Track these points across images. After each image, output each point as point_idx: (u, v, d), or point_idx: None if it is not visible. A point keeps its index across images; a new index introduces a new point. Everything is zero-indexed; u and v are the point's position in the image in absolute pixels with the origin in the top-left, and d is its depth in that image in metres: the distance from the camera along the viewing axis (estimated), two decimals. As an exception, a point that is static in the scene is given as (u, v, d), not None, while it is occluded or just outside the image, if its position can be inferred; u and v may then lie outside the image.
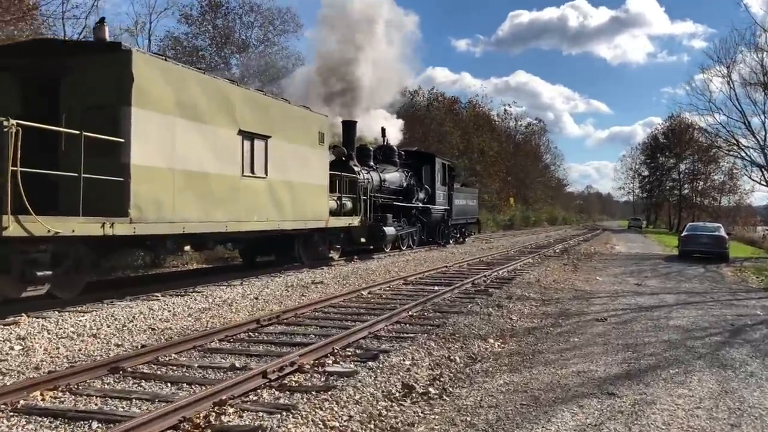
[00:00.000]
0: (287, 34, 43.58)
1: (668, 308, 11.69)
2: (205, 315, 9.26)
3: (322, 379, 5.88)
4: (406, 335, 8.05)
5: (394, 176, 22.28)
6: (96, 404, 5.09)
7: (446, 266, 17.20)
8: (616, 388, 6.23)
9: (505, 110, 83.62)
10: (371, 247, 19.99)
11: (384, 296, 11.51)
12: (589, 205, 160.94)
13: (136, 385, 5.67)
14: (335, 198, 16.12)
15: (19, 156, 7.25)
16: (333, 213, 15.87)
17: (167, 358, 6.56)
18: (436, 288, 12.54)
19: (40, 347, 6.93)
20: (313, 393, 5.36)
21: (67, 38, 24.42)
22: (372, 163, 21.25)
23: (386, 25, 25.33)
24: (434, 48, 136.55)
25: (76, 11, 28.98)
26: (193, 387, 5.59)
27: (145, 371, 6.10)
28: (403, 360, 6.74)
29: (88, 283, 11.53)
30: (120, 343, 7.32)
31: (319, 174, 14.60)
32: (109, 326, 8.11)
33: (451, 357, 7.23)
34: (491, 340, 8.33)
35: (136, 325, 8.26)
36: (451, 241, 28.06)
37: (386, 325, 8.42)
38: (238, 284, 12.37)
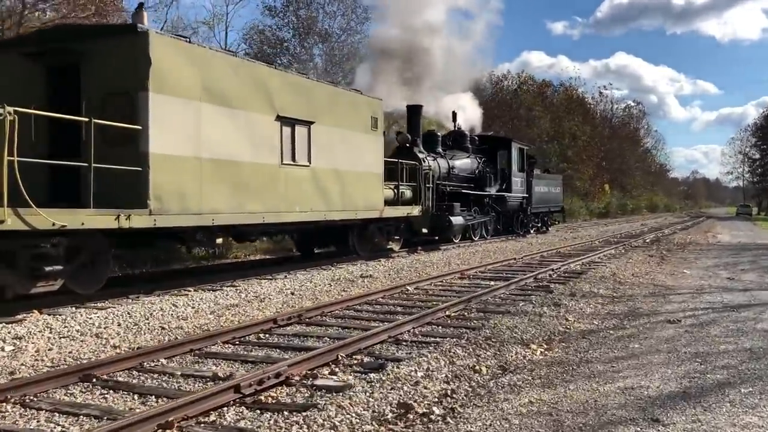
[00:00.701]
0: (370, 21, 43.00)
1: (761, 308, 10.13)
2: (229, 312, 8.69)
3: (307, 395, 5.09)
4: (432, 339, 7.15)
5: (464, 163, 21.20)
6: (37, 420, 4.52)
7: (515, 258, 16.04)
8: (665, 412, 5.09)
9: (600, 92, 79.94)
10: (436, 237, 19.05)
11: (430, 292, 10.60)
12: (695, 192, 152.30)
13: (101, 397, 5.08)
14: (392, 186, 15.29)
15: (15, 145, 6.84)
16: (389, 202, 15.06)
17: (153, 364, 5.97)
18: (492, 283, 11.50)
19: (33, 348, 6.52)
20: (285, 413, 4.58)
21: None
22: (440, 150, 20.26)
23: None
24: (529, 32, 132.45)
25: (159, 5, 29.41)
26: (161, 401, 4.94)
27: (119, 380, 5.52)
28: (415, 371, 5.84)
29: (125, 277, 11.28)
30: (118, 344, 6.82)
31: (371, 161, 13.81)
32: (119, 325, 7.66)
33: (477, 367, 6.27)
34: (534, 346, 7.28)
35: (148, 324, 7.77)
36: (531, 231, 26.64)
37: (414, 327, 7.53)
38: (282, 277, 11.80)
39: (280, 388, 5.21)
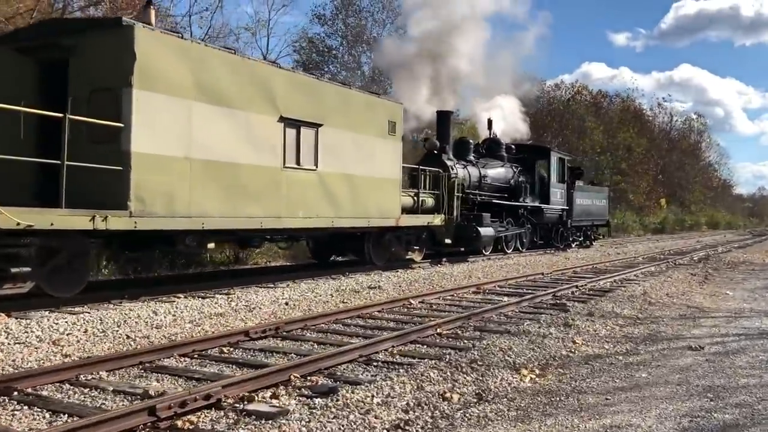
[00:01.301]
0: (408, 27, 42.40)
1: (801, 336, 9.10)
2: (210, 322, 8.21)
3: (232, 421, 4.51)
4: (409, 360, 6.48)
5: (498, 172, 20.38)
6: None
7: (543, 273, 15.16)
8: (646, 462, 4.32)
9: (659, 104, 77.32)
10: (462, 249, 18.28)
11: (435, 307, 9.92)
12: (762, 209, 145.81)
13: (9, 414, 4.62)
14: (412, 194, 14.64)
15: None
16: (408, 210, 14.42)
17: (90, 377, 5.50)
18: (505, 299, 10.73)
19: (-22, 353, 6.15)
20: (193, 444, 4.02)
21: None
22: (472, 158, 19.51)
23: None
24: (590, 43, 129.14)
25: (204, 12, 29.65)
26: (71, 420, 4.44)
27: (43, 394, 5.06)
28: (372, 396, 5.20)
29: (120, 281, 10.96)
30: (71, 353, 6.39)
31: (388, 167, 13.21)
32: (85, 331, 7.26)
33: (449, 394, 5.57)
34: (525, 372, 6.52)
35: (116, 332, 7.35)
36: (573, 245, 25.52)
37: (394, 346, 6.87)
38: (285, 286, 11.30)
39: (207, 411, 4.65)
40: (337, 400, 4.97)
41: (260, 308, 9.26)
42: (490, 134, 21.88)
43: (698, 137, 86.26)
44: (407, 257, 15.27)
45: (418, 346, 7.09)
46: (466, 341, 7.40)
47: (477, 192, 18.74)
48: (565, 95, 59.57)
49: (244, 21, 54.18)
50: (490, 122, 21.85)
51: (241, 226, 9.82)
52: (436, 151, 17.69)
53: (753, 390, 6.13)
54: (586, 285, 12.88)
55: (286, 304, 9.69)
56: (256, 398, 4.90)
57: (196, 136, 8.99)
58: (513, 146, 22.49)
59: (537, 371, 6.58)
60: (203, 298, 9.66)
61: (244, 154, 9.78)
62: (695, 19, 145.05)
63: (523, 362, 6.83)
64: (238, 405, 4.77)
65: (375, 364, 6.26)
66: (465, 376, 6.10)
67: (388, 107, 13.27)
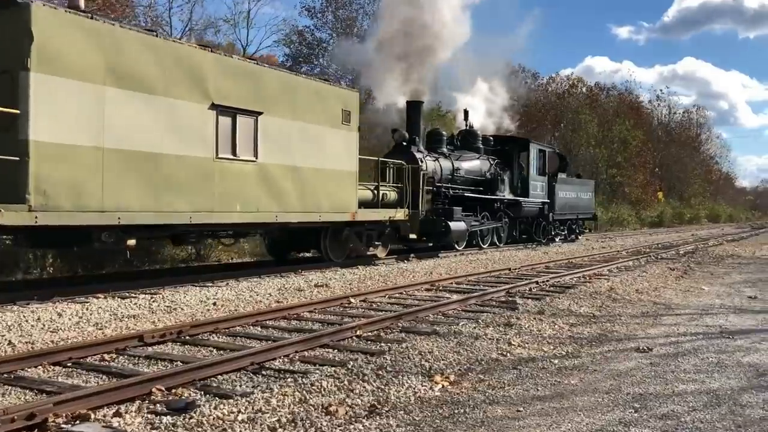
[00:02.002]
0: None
1: (764, 334, 8.41)
2: (117, 324, 7.56)
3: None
4: (307, 367, 5.83)
5: (473, 165, 19.69)
6: None
7: (511, 269, 14.49)
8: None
9: (658, 96, 76.48)
10: (430, 244, 17.62)
11: (374, 306, 9.27)
12: (765, 201, 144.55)
13: None
14: (371, 187, 13.98)
15: None
16: (368, 204, 13.76)
17: (-75, 391, 4.86)
18: (453, 296, 10.08)
19: None
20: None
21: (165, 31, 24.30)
22: (445, 150, 18.83)
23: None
24: (593, 36, 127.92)
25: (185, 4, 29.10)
26: None
27: None
28: (238, 412, 4.55)
29: (56, 280, 10.37)
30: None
31: (342, 158, 12.54)
32: (-36, 336, 6.62)
33: (334, 408, 4.91)
34: (438, 379, 5.85)
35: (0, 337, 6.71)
36: (557, 239, 24.82)
37: (298, 351, 6.21)
38: (224, 285, 10.67)
39: (25, 433, 4.01)
40: (190, 418, 4.33)
41: (182, 309, 8.61)
42: (466, 125, 21.17)
43: (698, 130, 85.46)
44: (369, 253, 14.61)
45: (327, 350, 6.43)
46: (384, 344, 6.74)
47: (449, 185, 18.07)
48: (560, 88, 58.81)
49: (222, 13, 53.02)
50: (466, 113, 21.16)
51: (165, 221, 9.16)
52: (405, 143, 17.03)
53: (688, 398, 5.47)
54: (548, 281, 12.21)
55: (214, 304, 9.04)
56: (93, 417, 4.25)
57: (110, 124, 8.34)
58: (491, 138, 21.80)
59: (452, 378, 5.92)
60: (124, 298, 9.02)
61: (168, 143, 9.13)
62: (698, 11, 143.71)
63: (441, 368, 6.17)
64: (65, 426, 4.12)
65: (265, 373, 5.60)
66: (365, 385, 5.45)
67: (342, 96, 12.59)
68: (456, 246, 18.18)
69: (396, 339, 6.95)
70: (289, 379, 5.35)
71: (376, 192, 13.87)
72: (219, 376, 5.31)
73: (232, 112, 10.18)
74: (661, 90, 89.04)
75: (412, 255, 16.14)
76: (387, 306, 9.32)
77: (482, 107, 25.14)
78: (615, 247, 23.92)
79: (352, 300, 9.37)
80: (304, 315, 8.28)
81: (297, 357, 6.04)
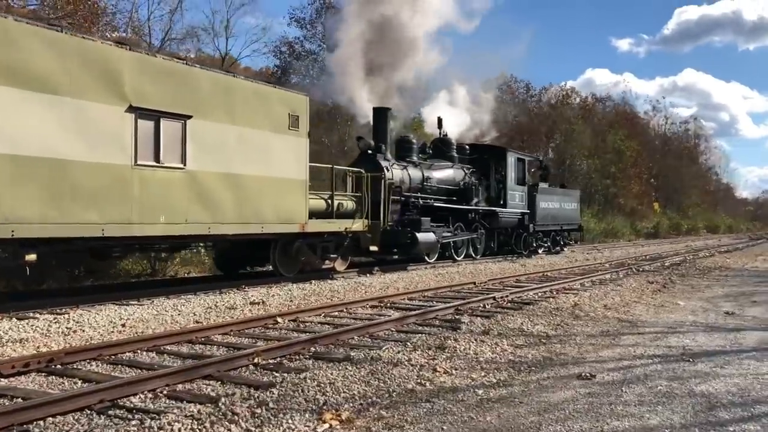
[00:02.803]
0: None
1: (730, 357, 7.54)
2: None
3: None
4: (168, 405, 4.97)
5: (446, 174, 18.87)
6: None
7: (475, 283, 13.63)
8: None
9: (654, 107, 75.83)
10: (396, 257, 16.79)
11: (302, 326, 8.42)
12: (766, 212, 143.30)
13: None
14: (325, 197, 13.15)
15: None
16: (321, 214, 12.93)
17: None
18: (395, 314, 9.22)
19: None
20: None
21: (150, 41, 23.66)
22: (415, 158, 18.03)
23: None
24: (593, 49, 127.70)
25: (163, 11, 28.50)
26: None
27: None
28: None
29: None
30: None
31: (289, 166, 11.73)
32: None
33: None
34: (327, 417, 4.99)
35: None
36: (540, 251, 23.94)
37: (169, 384, 5.34)
38: (149, 303, 9.83)
39: None
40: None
41: (83, 331, 7.76)
42: (440, 134, 20.38)
43: (696, 141, 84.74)
44: (325, 267, 13.75)
45: (207, 383, 5.57)
46: (279, 374, 5.88)
47: (419, 195, 17.24)
48: (553, 98, 58.06)
49: (200, 21, 52.44)
50: (440, 121, 20.35)
51: (72, 234, 8.32)
52: (370, 151, 16.23)
53: (615, 440, 4.63)
54: (509, 296, 11.34)
55: (123, 325, 8.19)
56: None
57: (2, 128, 7.53)
58: (467, 146, 21.00)
59: (345, 416, 5.06)
60: (22, 318, 8.19)
61: (76, 149, 8.31)
62: (698, 24, 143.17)
63: (336, 403, 5.31)
64: None
65: (112, 413, 4.74)
66: (230, 427, 4.59)
67: (289, 99, 11.79)
68: (426, 258, 17.33)
69: (298, 367, 6.10)
70: (133, 422, 4.49)
71: (329, 201, 13.03)
72: (51, 419, 4.45)
73: (155, 116, 9.37)
74: (657, 100, 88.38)
75: (376, 268, 15.29)
76: (316, 326, 8.47)
77: (465, 117, 24.41)
78: (600, 259, 23.07)
79: (279, 320, 8.52)
80: (214, 338, 7.43)
81: (165, 391, 5.17)
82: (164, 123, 9.49)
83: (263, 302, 10.25)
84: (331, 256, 13.35)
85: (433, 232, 16.70)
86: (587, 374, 6.57)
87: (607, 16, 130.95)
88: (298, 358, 6.45)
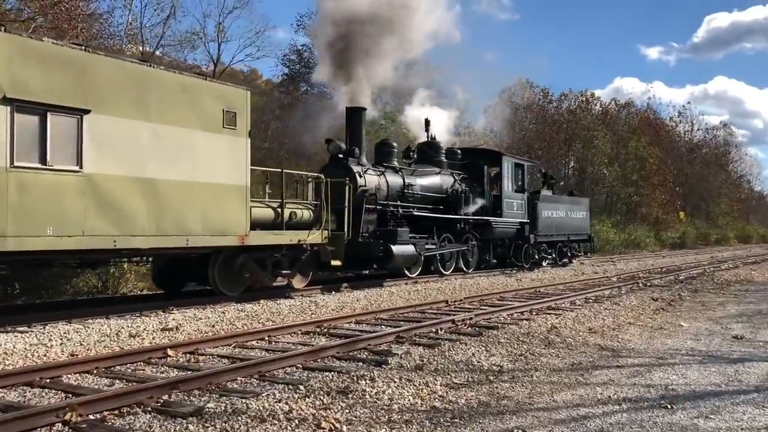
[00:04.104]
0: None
1: (726, 400, 5.85)
2: None
3: None
4: None
5: (431, 180, 17.26)
6: None
7: (450, 301, 12.00)
8: None
9: (680, 112, 73.18)
10: (365, 272, 15.22)
11: (200, 360, 6.90)
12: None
13: None
14: (274, 205, 11.64)
15: None
16: (269, 225, 11.41)
17: None
18: (321, 342, 7.66)
19: None
20: None
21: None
22: (396, 163, 16.47)
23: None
24: (622, 57, 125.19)
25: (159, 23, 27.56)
26: None
27: None
28: None
29: None
30: None
31: (222, 169, 10.25)
32: None
33: None
34: None
35: None
36: (544, 263, 22.14)
37: None
38: (39, 329, 8.39)
39: None
40: None
41: None
42: (427, 136, 18.78)
43: (726, 148, 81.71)
44: (277, 284, 12.21)
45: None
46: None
47: (398, 203, 15.66)
48: (573, 104, 56.03)
49: (194, 27, 51.44)
50: (427, 123, 18.76)
51: None
52: (341, 155, 14.72)
53: None
54: (472, 318, 9.69)
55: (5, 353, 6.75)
56: None
57: None
58: (458, 150, 19.35)
59: None
60: None
61: (-74, 147, 6.92)
62: (729, 31, 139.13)
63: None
64: None
65: None
66: None
67: (224, 94, 10.32)
68: (407, 273, 15.71)
69: (120, 428, 4.55)
70: None
71: (279, 210, 11.50)
72: None
73: (40, 110, 7.97)
74: (683, 106, 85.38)
75: (345, 285, 13.72)
76: (215, 361, 6.93)
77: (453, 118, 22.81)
78: (610, 272, 21.20)
79: (170, 352, 7.00)
80: (62, 380, 5.93)
81: None
82: (53, 118, 8.08)
83: (178, 328, 8.74)
84: (284, 272, 11.80)
85: (414, 244, 15.09)
86: (525, 429, 4.96)
87: (636, 24, 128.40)
88: (132, 412, 4.90)
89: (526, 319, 10.05)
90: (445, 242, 16.98)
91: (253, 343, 7.86)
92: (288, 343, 7.96)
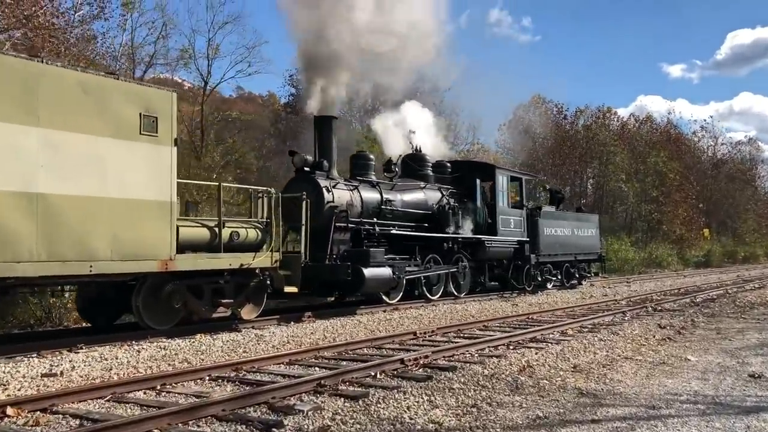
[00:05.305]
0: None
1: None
2: None
3: None
4: None
5: (414, 196, 15.65)
6: None
7: (418, 333, 10.34)
8: None
9: (702, 126, 70.81)
10: (330, 299, 13.60)
11: (44, 425, 5.34)
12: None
13: None
14: (211, 224, 10.11)
15: None
16: (203, 247, 9.89)
17: None
18: (221, 392, 6.06)
19: None
20: None
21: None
22: (373, 177, 14.92)
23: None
24: (645, 75, 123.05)
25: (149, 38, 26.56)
26: None
27: None
28: None
29: None
30: None
31: (140, 183, 8.76)
32: None
33: None
34: None
35: None
36: (549, 286, 20.33)
37: None
38: None
39: None
40: None
41: None
42: (413, 148, 17.21)
43: (751, 163, 78.92)
44: (219, 315, 10.64)
45: None
46: None
47: (374, 221, 14.08)
48: (588, 120, 54.16)
49: (180, 43, 50.49)
50: (411, 133, 17.20)
51: None
52: (307, 168, 13.22)
53: None
54: (428, 356, 8.01)
55: None
56: None
57: None
58: (447, 164, 17.75)
59: None
60: None
61: None
62: (752, 47, 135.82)
63: None
64: None
65: None
66: None
67: (141, 95, 8.85)
68: (386, 299, 14.07)
69: None
70: None
71: (217, 230, 9.97)
72: None
73: None
74: (705, 120, 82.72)
75: (308, 314, 12.11)
76: (62, 423, 5.38)
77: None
78: (621, 294, 19.32)
79: (10, 411, 5.46)
80: None
81: None
82: None
83: (63, 373, 7.21)
84: (225, 301, 10.24)
85: (392, 265, 13.46)
86: None
87: (658, 42, 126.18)
88: None
89: (497, 356, 8.37)
90: (431, 264, 15.32)
91: (138, 394, 6.29)
92: (182, 393, 6.37)
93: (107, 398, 6.07)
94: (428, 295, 15.28)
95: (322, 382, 6.36)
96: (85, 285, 9.82)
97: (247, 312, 10.90)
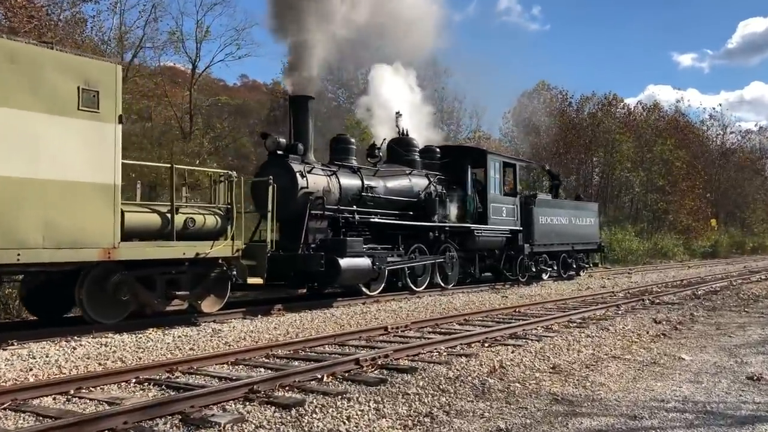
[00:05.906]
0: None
1: None
2: None
3: None
4: None
5: (399, 182, 14.80)
6: None
7: (387, 328, 9.54)
8: None
9: (711, 115, 69.49)
10: (304, 291, 12.81)
11: None
12: None
13: None
14: (163, 209, 9.31)
15: None
16: (153, 234, 9.09)
17: None
18: (132, 401, 5.28)
19: None
20: None
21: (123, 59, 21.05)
22: (353, 162, 14.08)
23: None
24: (655, 65, 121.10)
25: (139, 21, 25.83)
26: None
27: None
28: None
29: None
30: None
31: (78, 163, 7.95)
32: None
33: None
34: None
35: None
36: (545, 276, 19.47)
37: None
38: None
39: None
40: None
41: None
42: (399, 132, 16.34)
43: (760, 152, 77.58)
44: (173, 308, 9.86)
45: None
46: None
47: (354, 208, 13.26)
48: (593, 109, 53.00)
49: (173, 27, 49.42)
50: (397, 115, 16.34)
51: None
52: (280, 152, 12.41)
53: None
54: (391, 355, 7.20)
55: None
56: None
57: None
58: (437, 149, 16.87)
59: None
60: None
61: None
62: (764, 36, 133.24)
63: None
64: None
65: None
66: None
67: (79, 67, 8.02)
68: (366, 291, 13.27)
69: None
70: None
71: (169, 216, 9.16)
72: None
73: None
74: (714, 108, 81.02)
75: (278, 306, 11.33)
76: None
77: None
78: (621, 286, 18.47)
79: None
80: None
81: None
82: None
83: (-23, 374, 6.45)
84: (179, 293, 9.45)
85: (371, 255, 12.65)
86: None
87: (668, 32, 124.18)
88: None
89: (467, 355, 7.55)
90: (416, 254, 14.50)
91: (46, 401, 5.51)
92: (94, 400, 5.58)
93: (4, 406, 5.29)
94: (413, 286, 14.47)
95: (255, 387, 5.56)
96: (31, 274, 9.07)
97: (209, 305, 10.11)
